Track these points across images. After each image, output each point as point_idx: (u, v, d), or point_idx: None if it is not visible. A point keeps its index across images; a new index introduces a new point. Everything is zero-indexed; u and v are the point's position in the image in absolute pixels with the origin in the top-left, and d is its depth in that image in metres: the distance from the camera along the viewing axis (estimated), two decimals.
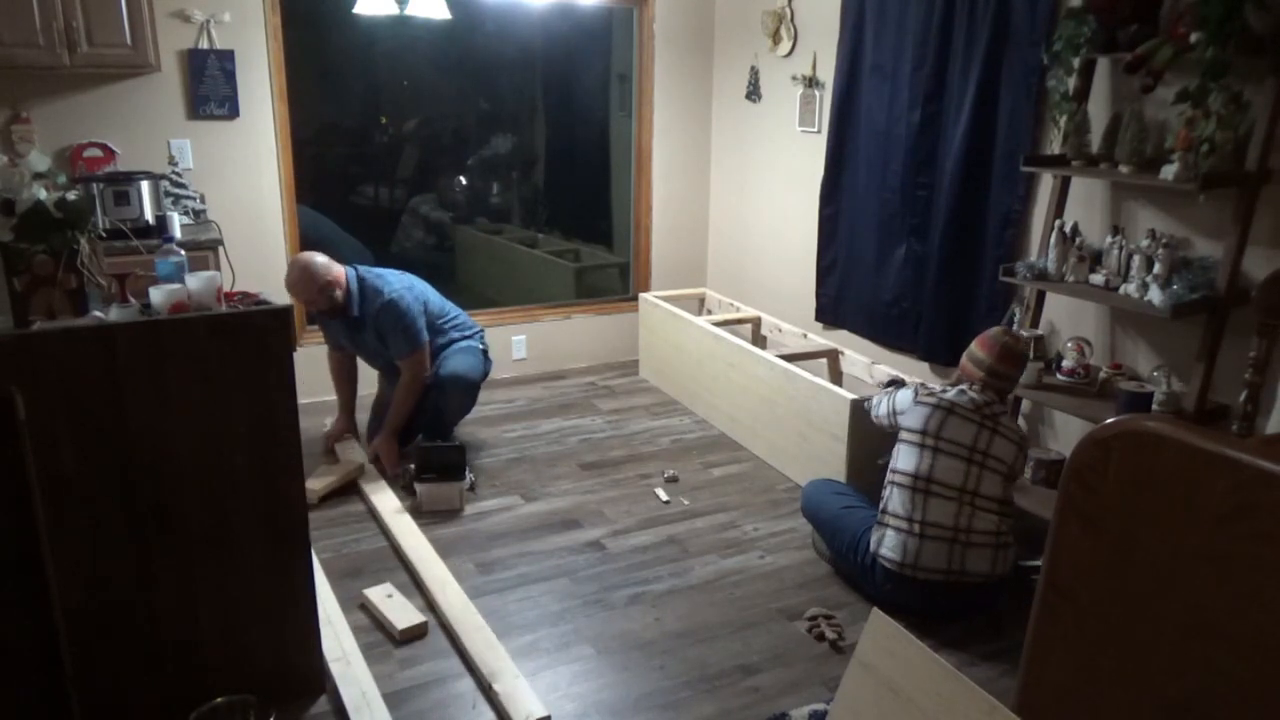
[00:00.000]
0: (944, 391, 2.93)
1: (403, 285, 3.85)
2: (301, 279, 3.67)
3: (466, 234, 6.91)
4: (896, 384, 3.40)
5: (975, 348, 2.99)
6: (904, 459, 2.87)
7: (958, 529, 2.77)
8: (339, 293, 3.71)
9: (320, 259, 3.73)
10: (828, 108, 4.36)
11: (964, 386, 2.94)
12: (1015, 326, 3.47)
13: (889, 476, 2.91)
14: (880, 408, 3.15)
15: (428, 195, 6.76)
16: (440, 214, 6.74)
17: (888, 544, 2.82)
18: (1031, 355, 3.27)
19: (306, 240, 4.57)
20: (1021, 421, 3.61)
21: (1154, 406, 2.94)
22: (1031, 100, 3.37)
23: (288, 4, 4.26)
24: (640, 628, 2.83)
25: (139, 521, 2.12)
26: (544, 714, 2.38)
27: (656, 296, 5.08)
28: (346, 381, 4.17)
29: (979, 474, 2.79)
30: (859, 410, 3.46)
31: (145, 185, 3.78)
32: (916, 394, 2.96)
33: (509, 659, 2.60)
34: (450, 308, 4.10)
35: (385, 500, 3.55)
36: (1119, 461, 1.34)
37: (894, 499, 2.85)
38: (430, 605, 2.90)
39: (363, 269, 3.88)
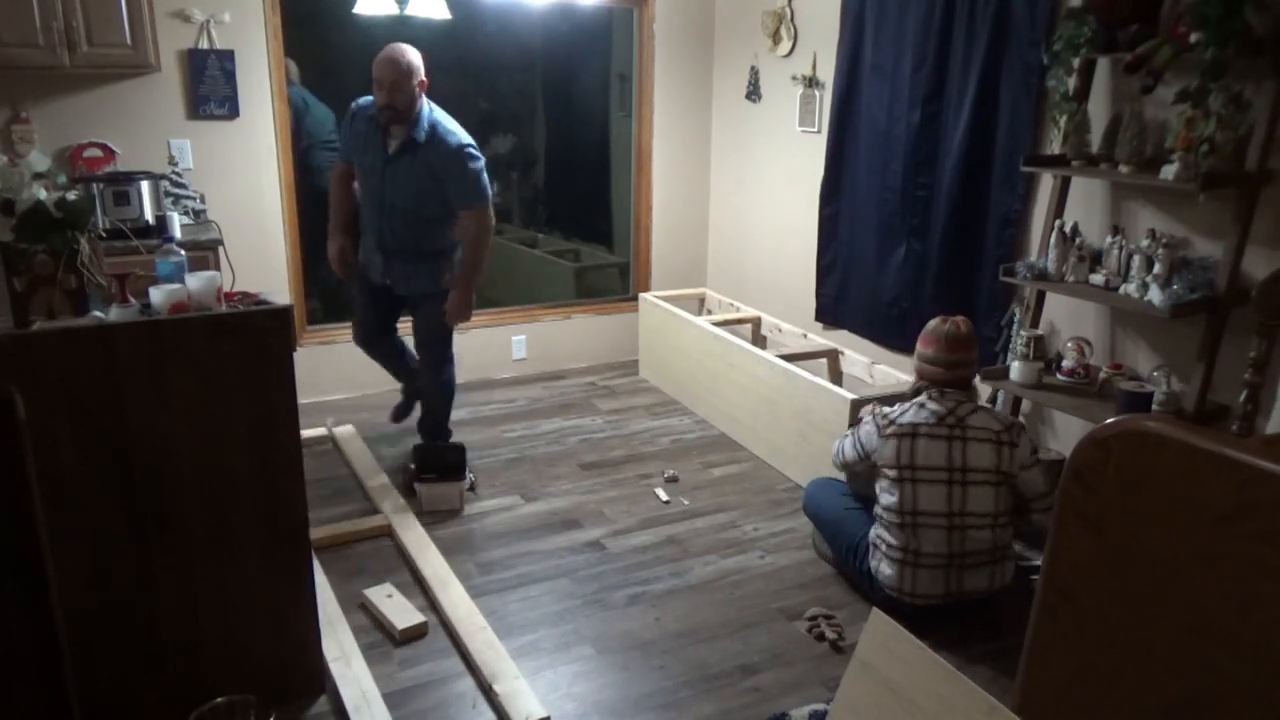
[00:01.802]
0: (903, 414, 2.80)
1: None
2: (402, 60, 3.35)
3: None
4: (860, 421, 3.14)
5: (921, 347, 2.88)
6: (887, 496, 2.79)
7: (951, 554, 2.73)
8: (420, 100, 3.43)
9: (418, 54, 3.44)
10: (828, 108, 4.36)
11: (922, 399, 2.82)
12: (1016, 326, 3.48)
13: (877, 512, 2.84)
14: (847, 450, 3.00)
15: None
16: None
17: (886, 573, 2.79)
18: (1031, 355, 3.27)
19: (298, 123, 4.58)
20: (1021, 420, 3.61)
21: (1154, 406, 2.94)
22: (1031, 100, 3.37)
23: (288, 4, 4.26)
24: (640, 628, 2.83)
25: (139, 521, 2.12)
26: (544, 714, 2.38)
27: (656, 296, 5.08)
28: (349, 198, 3.81)
29: (962, 492, 2.71)
30: (859, 410, 3.45)
31: (145, 185, 3.78)
32: (879, 426, 2.83)
33: (509, 659, 2.60)
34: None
35: (386, 500, 3.55)
36: (1119, 461, 1.34)
37: (885, 531, 2.81)
38: (430, 605, 2.90)
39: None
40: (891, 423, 2.80)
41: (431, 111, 3.49)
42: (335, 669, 2.51)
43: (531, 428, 4.43)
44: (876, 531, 2.86)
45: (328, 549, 3.22)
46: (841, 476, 3.39)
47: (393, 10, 4.26)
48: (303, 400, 2.39)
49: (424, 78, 3.42)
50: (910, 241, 3.98)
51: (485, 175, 3.54)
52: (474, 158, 3.49)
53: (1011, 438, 2.75)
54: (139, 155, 4.07)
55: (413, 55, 3.39)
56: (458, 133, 3.50)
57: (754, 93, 4.93)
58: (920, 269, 3.95)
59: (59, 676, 1.69)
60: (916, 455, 2.73)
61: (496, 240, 6.86)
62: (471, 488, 3.72)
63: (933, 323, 2.90)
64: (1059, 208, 3.29)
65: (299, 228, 4.51)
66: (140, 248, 2.94)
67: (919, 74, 3.82)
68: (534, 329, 5.22)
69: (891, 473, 2.77)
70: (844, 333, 4.48)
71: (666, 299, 5.05)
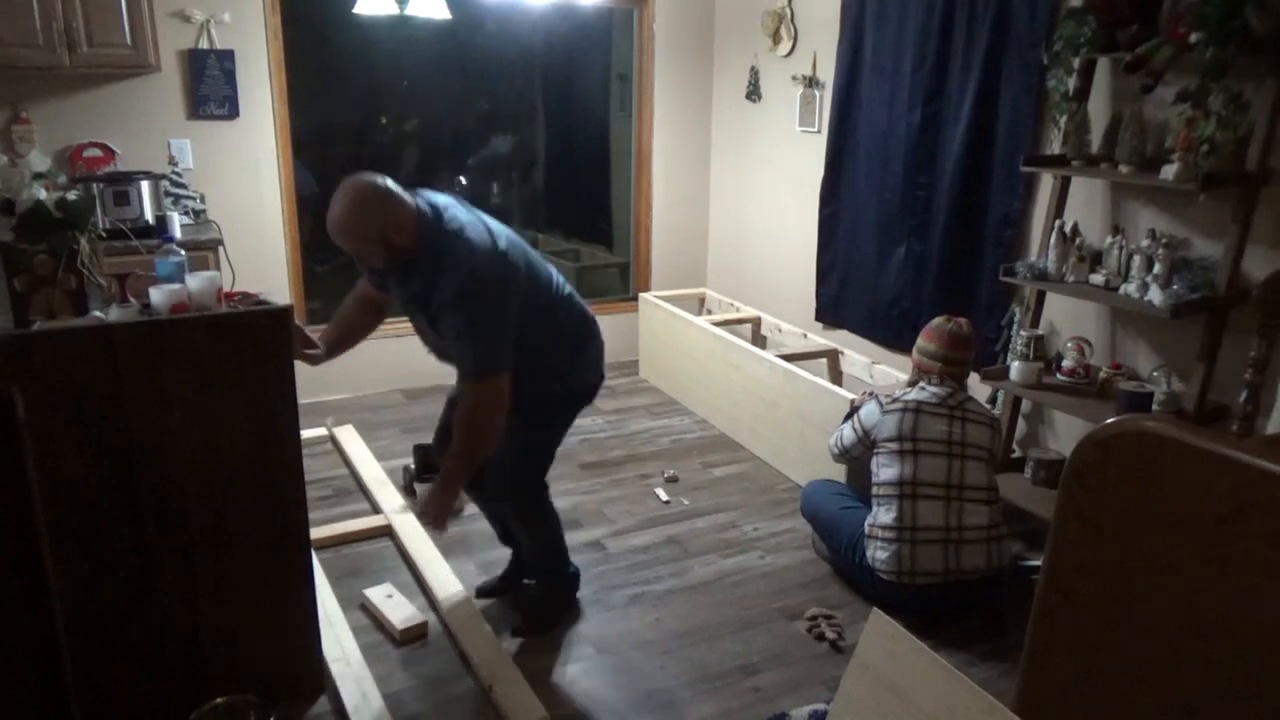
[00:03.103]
0: (905, 394, 2.95)
1: (493, 253, 2.42)
2: (354, 217, 2.32)
3: None
4: (854, 410, 3.25)
5: (924, 342, 3.03)
6: (886, 470, 2.88)
7: (949, 528, 2.78)
8: (404, 240, 2.36)
9: (381, 185, 2.36)
10: (828, 108, 4.36)
11: (923, 383, 2.97)
12: (1016, 326, 3.48)
13: (874, 492, 2.91)
14: (845, 436, 3.11)
15: None
16: None
17: (881, 557, 2.82)
18: (1031, 355, 3.27)
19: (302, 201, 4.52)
20: (1021, 421, 3.61)
21: (1154, 406, 2.94)
22: (1031, 100, 3.37)
23: (288, 4, 4.27)
24: (640, 628, 2.83)
25: (139, 521, 2.12)
26: (544, 714, 2.38)
27: (656, 296, 5.08)
28: (351, 324, 2.77)
29: (961, 465, 2.82)
30: (852, 403, 3.46)
31: (145, 185, 3.79)
32: (881, 405, 2.96)
33: (509, 659, 2.60)
34: (558, 279, 2.70)
35: (386, 499, 3.55)
36: (1119, 461, 1.34)
37: (881, 512, 2.85)
38: (431, 605, 2.90)
39: (439, 199, 2.48)
40: (894, 400, 2.94)
41: (431, 216, 2.42)
42: (335, 669, 2.51)
43: None
44: (870, 519, 2.89)
45: (328, 549, 3.22)
46: (837, 475, 3.40)
47: (393, 10, 4.26)
48: (303, 400, 2.39)
49: (402, 205, 2.36)
50: (910, 241, 3.97)
51: (495, 319, 2.42)
52: (481, 298, 2.40)
53: (998, 426, 2.99)
54: (139, 155, 4.07)
55: (372, 193, 2.34)
56: (460, 249, 2.39)
57: (754, 93, 4.93)
58: (920, 269, 3.95)
59: (59, 676, 1.69)
60: (919, 428, 2.85)
61: None
62: None
63: (937, 320, 3.04)
64: (1059, 208, 3.28)
65: (298, 228, 4.52)
66: (140, 248, 2.94)
67: (919, 74, 3.82)
68: None
69: (893, 445, 2.86)
70: (844, 333, 4.48)
71: (666, 299, 5.05)
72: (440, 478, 2.52)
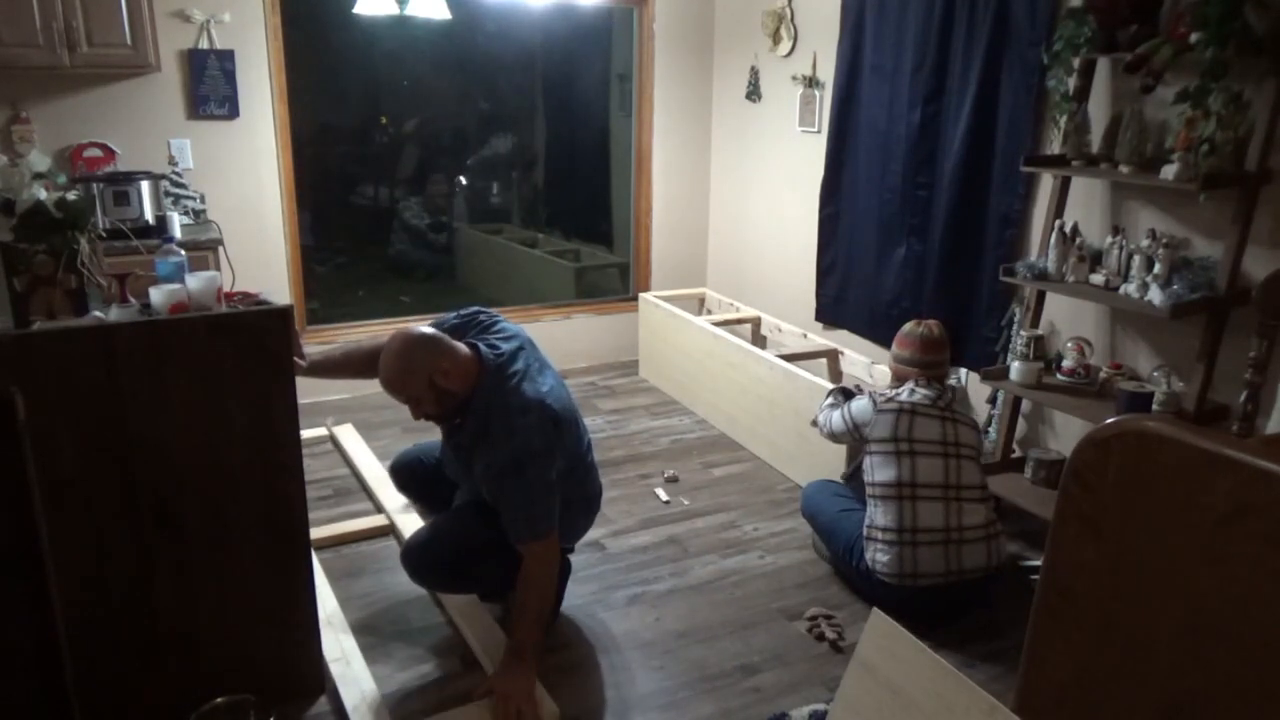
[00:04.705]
0: (898, 394, 2.93)
1: (543, 415, 2.49)
2: (402, 364, 2.44)
3: (466, 234, 6.91)
4: (842, 393, 3.28)
5: (898, 349, 3.03)
6: (881, 471, 2.85)
7: (949, 528, 2.77)
8: (454, 384, 2.47)
9: (428, 333, 2.50)
10: (828, 108, 4.36)
11: (911, 385, 2.95)
12: (1016, 326, 3.48)
13: (870, 491, 2.89)
14: (834, 422, 3.10)
15: (416, 199, 6.77)
16: (422, 217, 6.74)
17: (882, 560, 2.80)
18: (1031, 355, 3.27)
19: None
20: (1021, 421, 3.61)
21: (1154, 406, 2.94)
22: (1031, 100, 3.37)
23: (288, 4, 4.27)
24: (640, 628, 2.83)
25: (139, 521, 2.12)
26: (554, 709, 2.38)
27: (656, 296, 5.08)
28: (352, 363, 2.82)
29: (957, 465, 2.82)
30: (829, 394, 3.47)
31: (145, 185, 3.79)
32: (875, 403, 2.94)
33: None
34: (588, 439, 2.82)
35: (387, 499, 3.55)
36: (1119, 461, 1.34)
37: (879, 514, 2.84)
38: (435, 602, 2.90)
39: (505, 345, 2.58)
40: (889, 399, 2.92)
41: (494, 370, 2.51)
42: (335, 669, 2.51)
43: None
44: (869, 521, 2.88)
45: (328, 549, 3.22)
46: (838, 477, 3.40)
47: (393, 10, 4.26)
48: (303, 400, 2.38)
49: (454, 352, 2.48)
50: (910, 241, 3.98)
51: (544, 488, 2.49)
52: (530, 469, 2.46)
53: (979, 427, 3.02)
54: (139, 155, 4.07)
55: (416, 344, 2.46)
56: (514, 423, 2.46)
57: (754, 93, 4.93)
58: (920, 269, 3.95)
59: (59, 676, 1.69)
60: (915, 429, 2.85)
61: (497, 240, 6.90)
62: None
63: (907, 326, 3.05)
64: (1059, 208, 3.29)
65: (299, 227, 4.52)
66: (140, 248, 2.95)
67: (919, 74, 3.82)
68: (534, 329, 5.17)
69: (888, 446, 2.85)
70: (844, 333, 4.48)
71: (666, 299, 5.05)
72: (519, 651, 2.42)
